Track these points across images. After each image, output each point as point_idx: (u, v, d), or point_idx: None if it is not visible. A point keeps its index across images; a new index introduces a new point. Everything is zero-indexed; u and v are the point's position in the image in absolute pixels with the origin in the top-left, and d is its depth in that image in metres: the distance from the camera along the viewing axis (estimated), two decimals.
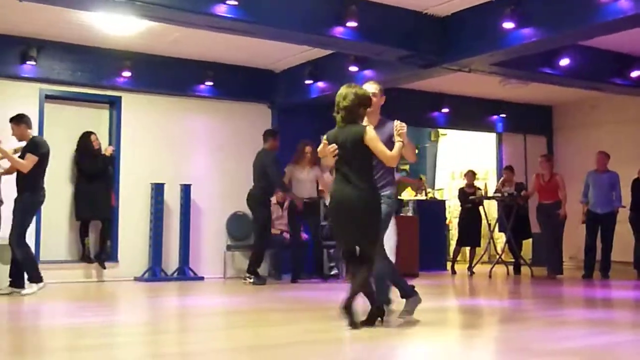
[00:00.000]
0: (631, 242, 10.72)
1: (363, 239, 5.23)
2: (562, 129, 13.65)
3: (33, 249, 9.34)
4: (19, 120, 7.91)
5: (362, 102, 5.36)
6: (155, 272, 10.07)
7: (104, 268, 9.89)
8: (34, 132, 8.18)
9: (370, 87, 5.61)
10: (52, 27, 9.00)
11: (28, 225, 7.87)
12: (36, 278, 7.70)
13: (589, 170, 10.75)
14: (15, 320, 6.20)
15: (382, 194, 5.39)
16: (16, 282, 7.85)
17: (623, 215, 10.59)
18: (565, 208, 10.52)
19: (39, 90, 9.71)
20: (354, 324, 4.99)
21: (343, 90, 5.37)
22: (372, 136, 5.23)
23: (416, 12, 8.51)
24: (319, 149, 5.43)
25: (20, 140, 7.99)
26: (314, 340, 4.82)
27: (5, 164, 8.00)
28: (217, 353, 4.48)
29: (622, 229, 10.60)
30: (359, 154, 5.23)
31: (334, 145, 5.27)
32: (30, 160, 7.68)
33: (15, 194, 7.79)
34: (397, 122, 5.40)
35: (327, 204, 8.11)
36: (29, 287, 7.70)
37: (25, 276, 7.80)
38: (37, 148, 7.77)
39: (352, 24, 7.93)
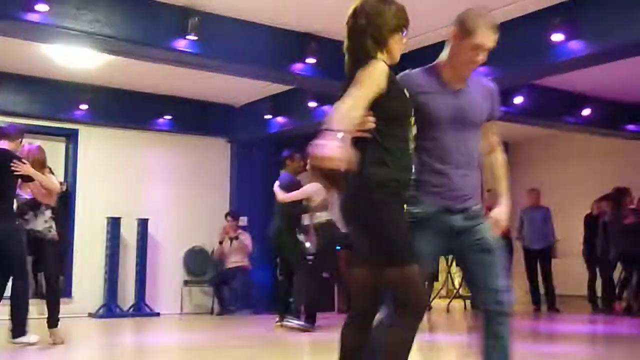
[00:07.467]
0: (586, 275, 10.81)
1: None
2: (518, 165, 13.86)
3: None
4: None
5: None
6: (110, 308, 9.90)
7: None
8: None
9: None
10: (8, 59, 8.91)
11: None
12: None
13: (521, 208, 10.87)
14: None
15: None
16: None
17: (577, 249, 10.69)
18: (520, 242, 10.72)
19: None
20: None
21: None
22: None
23: None
24: None
25: None
26: None
27: None
28: None
29: (576, 263, 10.73)
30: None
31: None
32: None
33: None
34: None
35: None
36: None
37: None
38: None
39: (311, 60, 8.00)
